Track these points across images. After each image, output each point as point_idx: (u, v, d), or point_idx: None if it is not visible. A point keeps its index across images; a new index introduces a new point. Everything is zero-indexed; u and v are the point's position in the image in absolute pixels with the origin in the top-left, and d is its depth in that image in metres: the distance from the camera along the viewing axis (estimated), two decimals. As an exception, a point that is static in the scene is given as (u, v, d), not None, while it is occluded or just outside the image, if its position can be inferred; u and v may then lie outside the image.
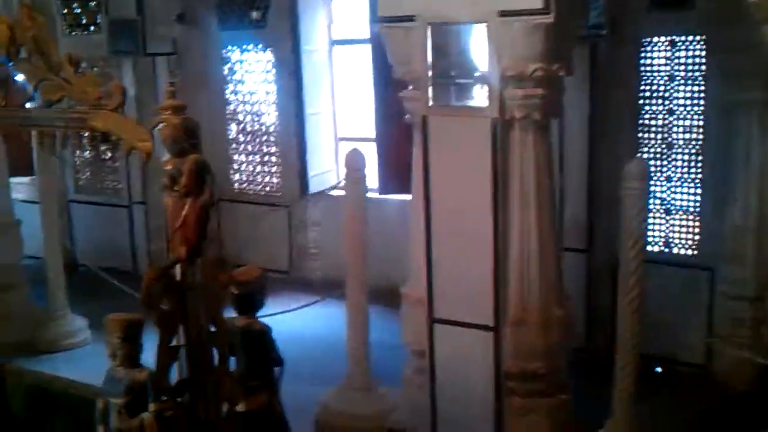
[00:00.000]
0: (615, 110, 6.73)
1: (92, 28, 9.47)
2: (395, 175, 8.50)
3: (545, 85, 4.61)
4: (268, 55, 9.28)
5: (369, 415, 5.54)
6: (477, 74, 4.62)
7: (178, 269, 3.13)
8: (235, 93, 9.64)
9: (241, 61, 9.52)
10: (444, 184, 4.80)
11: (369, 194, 8.78)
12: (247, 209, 9.50)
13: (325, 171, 9.29)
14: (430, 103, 4.75)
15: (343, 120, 9.39)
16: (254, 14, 9.14)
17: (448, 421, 5.00)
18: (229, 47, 9.50)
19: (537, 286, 4.79)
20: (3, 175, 7.72)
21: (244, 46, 9.42)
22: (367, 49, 8.60)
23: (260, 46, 9.30)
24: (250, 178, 9.70)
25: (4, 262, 7.53)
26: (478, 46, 4.58)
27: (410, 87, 5.07)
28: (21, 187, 9.66)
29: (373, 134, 8.91)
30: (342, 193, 9.15)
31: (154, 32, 8.82)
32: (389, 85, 8.38)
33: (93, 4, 9.43)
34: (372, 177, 8.78)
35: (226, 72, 9.61)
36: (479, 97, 4.65)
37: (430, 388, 5.04)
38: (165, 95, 3.15)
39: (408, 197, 8.49)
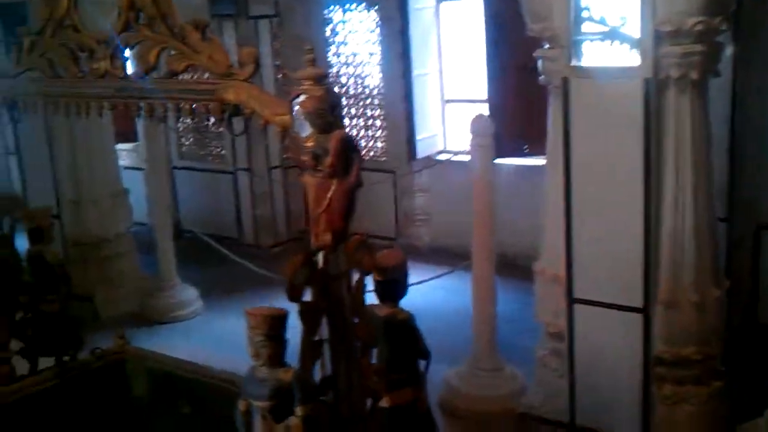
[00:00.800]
0: (760, 66, 6.10)
1: (193, -10, 9.25)
2: (509, 138, 8.06)
3: (705, 40, 4.11)
4: (372, 15, 8.90)
5: (498, 397, 5.21)
6: (626, 31, 4.15)
7: (320, 257, 2.82)
8: (338, 55, 9.32)
9: (344, 22, 9.18)
10: (587, 151, 4.36)
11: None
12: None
13: (433, 135, 8.90)
14: (573, 63, 4.30)
15: (449, 81, 8.95)
16: (358, -29, 8.77)
17: (588, 408, 4.62)
18: (331, 7, 9.16)
19: (692, 263, 4.34)
20: (110, 143, 7.61)
21: (347, 6, 9.07)
22: (478, 4, 8.13)
23: (364, 5, 8.92)
24: (354, 143, 9.38)
25: (114, 230, 7.45)
26: (628, -2, 4.10)
27: (546, 45, 4.64)
28: (124, 153, 9.63)
29: (481, 95, 8.49)
30: (449, 157, 8.85)
31: (257, -7, 8.56)
32: (503, 42, 7.96)
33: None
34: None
35: (328, 34, 9.28)
36: (629, 55, 4.18)
37: (568, 372, 4.66)
38: (304, 62, 2.81)
39: (523, 162, 8.19)
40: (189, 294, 7.37)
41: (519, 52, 7.88)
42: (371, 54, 9.05)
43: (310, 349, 2.81)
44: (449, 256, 8.69)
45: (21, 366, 4.33)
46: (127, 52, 3.27)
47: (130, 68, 3.32)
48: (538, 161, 8.15)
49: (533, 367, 5.19)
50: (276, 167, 9.17)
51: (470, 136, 5.14)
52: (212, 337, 6.94)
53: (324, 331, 2.89)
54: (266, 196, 9.18)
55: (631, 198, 4.26)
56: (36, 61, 3.58)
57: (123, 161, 9.34)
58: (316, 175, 2.69)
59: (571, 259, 4.53)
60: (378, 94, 9.08)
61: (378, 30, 8.85)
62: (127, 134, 9.52)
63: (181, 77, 3.12)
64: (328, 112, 2.65)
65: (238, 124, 3.03)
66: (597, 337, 4.52)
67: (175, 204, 9.75)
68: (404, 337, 3.21)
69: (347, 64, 9.28)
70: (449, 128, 8.94)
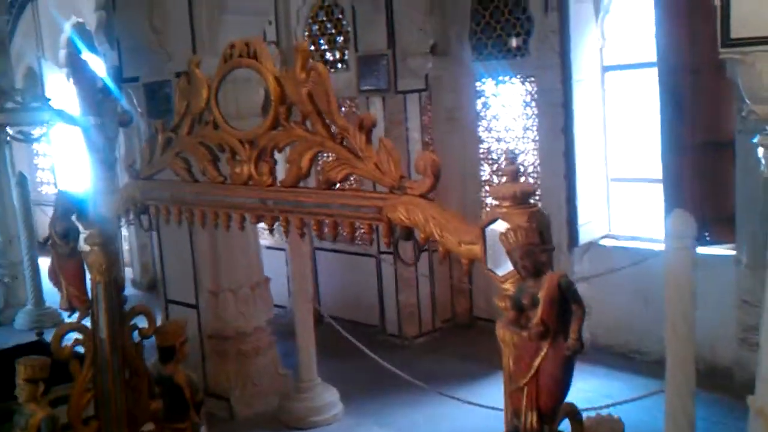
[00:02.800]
0: None
1: (340, 65, 8.88)
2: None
3: None
4: (528, 87, 8.23)
5: None
6: None
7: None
8: (489, 130, 8.67)
9: (496, 95, 8.54)
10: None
11: (651, 244, 7.55)
12: (501, 258, 8.46)
13: (596, 218, 8.04)
14: (813, 154, 3.45)
15: (616, 158, 8.10)
16: (514, 41, 8.13)
17: None
18: (483, 80, 8.56)
19: None
20: (253, 229, 7.17)
21: (501, 78, 8.44)
22: (650, 74, 7.31)
23: (519, 76, 8.27)
24: (506, 224, 8.66)
25: (254, 323, 6.95)
26: None
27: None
28: (266, 233, 9.25)
29: (652, 173, 7.60)
30: (615, 243, 7.97)
31: (406, 67, 8.04)
32: (682, 118, 7.07)
33: (341, 39, 8.84)
34: (657, 223, 7.46)
35: (479, 107, 8.67)
36: None
37: None
38: (503, 174, 2.14)
39: (703, 250, 7.19)
40: (329, 396, 6.72)
41: (701, 128, 7.02)
42: (526, 129, 8.36)
43: None
44: (613, 357, 7.76)
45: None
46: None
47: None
48: (722, 250, 7.18)
49: None
50: (422, 251, 8.50)
51: (666, 237, 4.31)
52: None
53: None
54: (411, 281, 8.53)
55: None
56: (170, 161, 3.08)
57: (263, 240, 8.97)
58: (519, 331, 1.97)
59: (805, 398, 3.61)
60: (533, 172, 8.34)
61: (534, 103, 8.15)
62: (268, 213, 9.14)
63: (339, 186, 2.52)
64: (538, 249, 1.94)
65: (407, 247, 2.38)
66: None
67: (315, 287, 9.26)
68: None
69: (499, 140, 8.61)
70: (614, 210, 8.06)
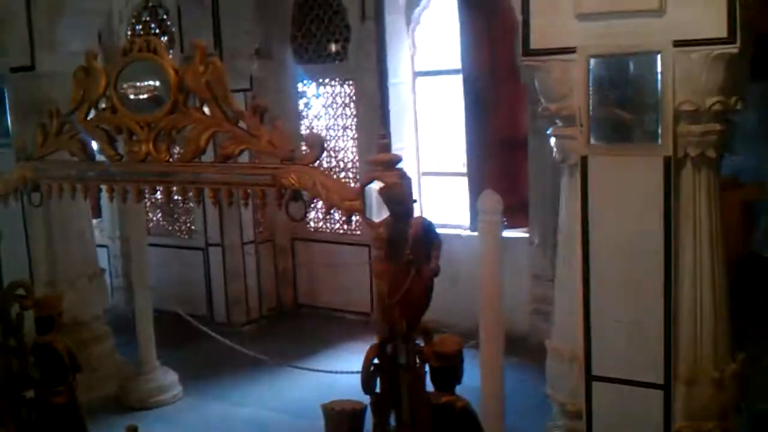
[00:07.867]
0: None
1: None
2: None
3: (722, 120, 4.22)
4: (347, 89, 8.97)
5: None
6: (645, 111, 4.23)
7: (389, 347, 2.73)
8: (311, 129, 9.31)
9: (317, 96, 9.21)
10: (606, 229, 4.39)
11: (459, 231, 8.48)
12: (321, 248, 9.14)
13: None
14: (592, 141, 4.35)
15: (426, 154, 9.01)
16: (333, 47, 8.84)
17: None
18: (305, 81, 9.20)
19: (710, 339, 4.36)
20: (87, 222, 7.36)
21: (321, 80, 9.12)
22: (456, 80, 8.26)
23: (338, 79, 8.99)
24: (326, 216, 9.33)
25: (91, 313, 7.16)
26: (646, 78, 4.19)
27: (558, 123, 4.68)
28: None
29: (459, 168, 8.58)
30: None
31: (232, 68, 8.48)
32: (483, 117, 8.07)
33: (165, 39, 9.13)
34: (462, 212, 8.42)
35: (301, 107, 9.29)
36: (646, 134, 4.25)
37: (587, 452, 4.59)
38: (375, 148, 2.77)
39: (504, 234, 8.20)
40: (169, 378, 7.07)
41: (500, 128, 8.05)
42: (344, 128, 9.08)
43: (383, 444, 2.70)
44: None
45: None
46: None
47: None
48: (517, 233, 8.25)
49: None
50: (249, 242, 9.01)
51: (480, 213, 5.13)
52: (194, 422, 6.68)
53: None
54: (239, 272, 8.98)
55: (651, 275, 4.29)
56: (65, 143, 3.45)
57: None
58: (392, 262, 2.61)
59: (589, 338, 4.52)
60: (352, 167, 9.07)
61: (353, 104, 8.89)
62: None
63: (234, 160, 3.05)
64: (407, 199, 2.60)
65: (297, 208, 2.95)
66: (617, 416, 4.49)
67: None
68: (463, 426, 3.12)
69: (320, 138, 9.26)
70: (426, 201, 8.95)
